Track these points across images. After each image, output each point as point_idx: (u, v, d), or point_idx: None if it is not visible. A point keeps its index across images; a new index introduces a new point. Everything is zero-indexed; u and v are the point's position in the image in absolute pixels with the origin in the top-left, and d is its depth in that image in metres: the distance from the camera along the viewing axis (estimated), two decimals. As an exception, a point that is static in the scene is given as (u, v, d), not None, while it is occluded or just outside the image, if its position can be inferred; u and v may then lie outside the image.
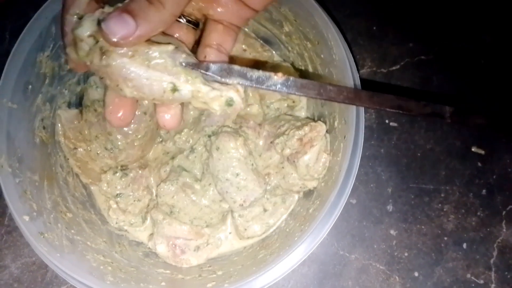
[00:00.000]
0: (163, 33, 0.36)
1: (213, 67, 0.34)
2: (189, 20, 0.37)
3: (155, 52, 0.33)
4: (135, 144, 0.52)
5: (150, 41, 0.34)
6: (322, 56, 0.49)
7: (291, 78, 0.34)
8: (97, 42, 0.32)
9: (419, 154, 0.58)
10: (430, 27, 0.61)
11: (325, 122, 0.51)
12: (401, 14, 0.62)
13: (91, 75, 0.54)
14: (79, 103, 0.55)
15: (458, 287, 0.54)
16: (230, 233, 0.55)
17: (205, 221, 0.54)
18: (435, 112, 0.35)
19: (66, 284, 0.56)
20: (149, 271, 0.49)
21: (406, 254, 0.55)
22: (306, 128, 0.50)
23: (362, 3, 0.63)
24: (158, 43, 0.34)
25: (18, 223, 0.43)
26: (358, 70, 0.57)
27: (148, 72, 0.33)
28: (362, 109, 0.44)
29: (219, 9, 0.36)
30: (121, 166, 0.55)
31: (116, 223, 0.54)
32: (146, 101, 0.37)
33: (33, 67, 0.47)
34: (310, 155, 0.50)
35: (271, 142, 0.53)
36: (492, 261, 0.55)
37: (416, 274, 0.55)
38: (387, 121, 0.59)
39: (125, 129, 0.51)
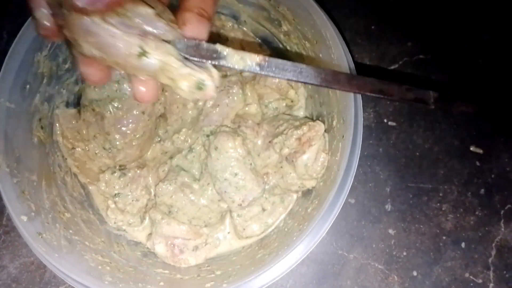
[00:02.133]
0: None
1: (181, 43, 0.31)
2: None
3: (129, 11, 0.30)
4: (133, 143, 0.52)
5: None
6: (320, 55, 0.49)
7: (267, 58, 0.31)
8: None
9: (417, 154, 0.58)
10: (428, 26, 0.61)
11: (323, 122, 0.51)
12: (399, 13, 0.62)
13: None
14: (77, 102, 0.55)
15: (456, 286, 0.54)
16: (228, 232, 0.55)
17: (203, 221, 0.54)
18: (418, 97, 0.33)
19: (64, 284, 0.56)
20: (147, 271, 0.49)
21: (404, 253, 0.56)
22: (305, 128, 0.50)
23: (361, 3, 0.63)
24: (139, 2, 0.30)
25: (16, 223, 0.43)
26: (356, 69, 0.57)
27: (115, 29, 0.29)
28: (360, 108, 0.44)
29: None
30: (120, 166, 0.55)
31: (115, 223, 0.54)
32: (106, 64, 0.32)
33: (31, 67, 0.47)
34: (309, 155, 0.50)
35: (270, 142, 0.52)
36: (490, 260, 0.55)
37: (414, 273, 0.55)
38: (385, 120, 0.59)
39: (123, 128, 0.51)
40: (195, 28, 0.32)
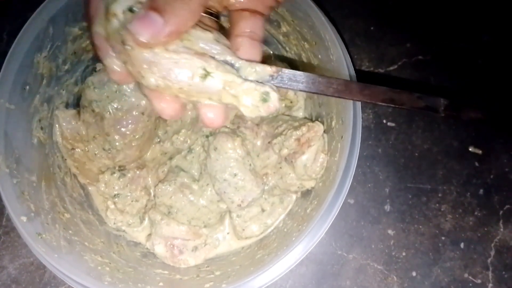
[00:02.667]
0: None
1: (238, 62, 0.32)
2: (210, 12, 0.35)
3: (190, 36, 0.31)
4: (133, 144, 0.52)
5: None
6: (319, 56, 0.49)
7: (281, 70, 0.32)
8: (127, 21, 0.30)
9: (416, 154, 0.58)
10: (428, 27, 0.61)
11: (322, 122, 0.51)
12: (398, 14, 0.62)
13: (88, 75, 0.54)
14: (76, 103, 0.55)
15: (455, 286, 0.55)
16: (228, 233, 0.55)
17: (203, 222, 0.54)
18: (428, 105, 0.33)
19: (64, 284, 0.56)
20: (147, 271, 0.49)
21: (403, 254, 0.56)
22: (304, 128, 0.50)
23: (360, 4, 0.63)
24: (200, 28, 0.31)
25: (15, 224, 0.43)
26: (355, 70, 0.58)
27: (176, 55, 0.30)
28: (359, 109, 0.44)
29: None
30: (119, 167, 0.55)
31: (114, 223, 0.54)
32: (168, 93, 0.32)
33: (31, 68, 0.47)
34: (308, 155, 0.50)
35: (269, 143, 0.53)
36: (489, 260, 0.55)
37: (413, 273, 0.55)
38: (384, 121, 0.59)
39: (123, 129, 0.51)
40: (249, 51, 0.33)
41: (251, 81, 0.32)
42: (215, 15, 0.35)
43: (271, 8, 0.36)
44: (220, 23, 0.36)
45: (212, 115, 0.33)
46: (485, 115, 0.35)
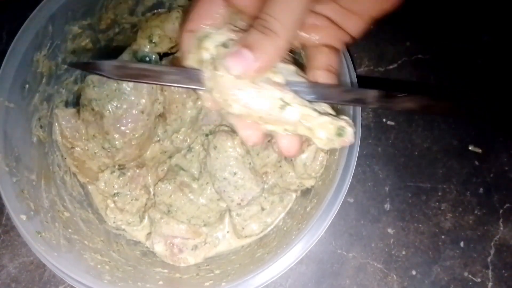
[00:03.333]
0: None
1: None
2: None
3: (276, 67, 0.33)
4: (133, 143, 0.52)
5: None
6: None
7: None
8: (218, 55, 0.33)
9: (416, 153, 0.58)
10: (428, 26, 0.61)
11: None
12: (398, 13, 0.62)
13: (88, 74, 0.54)
14: (76, 102, 0.55)
15: (455, 285, 0.55)
16: (227, 232, 0.55)
17: (202, 220, 0.54)
18: (356, 98, 0.34)
19: (63, 283, 0.56)
20: (146, 270, 0.49)
21: (403, 252, 0.56)
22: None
23: (360, 2, 0.63)
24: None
25: (15, 223, 0.43)
26: (355, 68, 0.58)
27: (260, 85, 0.32)
28: (359, 108, 0.44)
29: (318, 36, 0.36)
30: (119, 165, 0.55)
31: (114, 222, 0.54)
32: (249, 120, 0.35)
33: (30, 66, 0.47)
34: (308, 154, 0.50)
35: (269, 141, 0.53)
36: (489, 259, 0.55)
37: (413, 272, 0.55)
38: (384, 120, 0.59)
39: (123, 128, 0.51)
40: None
41: (327, 114, 0.33)
42: (291, 51, 0.37)
43: (346, 43, 0.38)
44: (295, 58, 0.38)
45: (287, 144, 0.35)
46: (421, 103, 0.34)
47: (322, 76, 0.35)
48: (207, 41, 0.33)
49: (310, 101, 0.33)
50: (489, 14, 0.61)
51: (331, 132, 0.33)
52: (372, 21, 0.38)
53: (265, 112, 0.32)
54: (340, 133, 0.33)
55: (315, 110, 0.33)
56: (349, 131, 0.33)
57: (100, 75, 0.34)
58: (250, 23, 0.32)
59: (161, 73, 0.34)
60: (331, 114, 0.34)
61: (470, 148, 0.58)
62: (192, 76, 0.34)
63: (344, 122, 0.33)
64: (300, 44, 0.37)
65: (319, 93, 0.34)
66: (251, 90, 0.32)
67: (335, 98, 0.34)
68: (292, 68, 0.34)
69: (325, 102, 0.34)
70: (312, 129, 0.33)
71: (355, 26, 0.37)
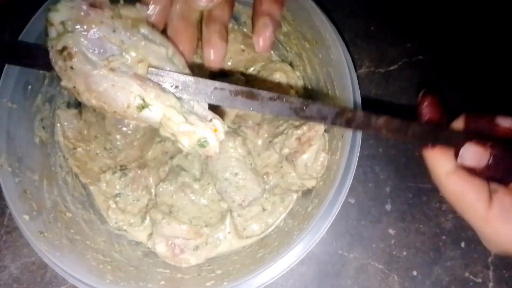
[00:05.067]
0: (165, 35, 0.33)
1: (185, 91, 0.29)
2: None
3: (142, 49, 0.29)
4: (134, 144, 0.53)
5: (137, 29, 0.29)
6: (320, 56, 0.49)
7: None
8: (66, 32, 0.28)
9: (417, 154, 0.58)
10: (428, 27, 0.62)
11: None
12: (399, 14, 0.63)
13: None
14: (78, 103, 0.56)
15: (456, 285, 0.55)
16: (229, 232, 0.55)
17: (204, 221, 0.54)
18: (311, 116, 0.31)
19: (65, 284, 0.56)
20: (148, 270, 0.49)
21: (404, 253, 0.56)
22: (305, 128, 0.50)
23: (361, 4, 0.63)
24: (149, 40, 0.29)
25: (18, 222, 0.43)
26: (356, 70, 0.58)
27: (115, 76, 0.28)
28: (359, 108, 0.45)
29: None
30: (120, 166, 0.55)
31: (115, 223, 0.55)
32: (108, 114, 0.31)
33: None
34: (309, 154, 0.50)
35: (270, 142, 0.53)
36: (490, 259, 0.55)
37: (414, 273, 0.55)
38: (385, 120, 0.59)
39: (124, 129, 0.51)
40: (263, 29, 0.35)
41: (191, 122, 0.29)
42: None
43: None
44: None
45: (212, 56, 0.34)
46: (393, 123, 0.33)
47: (267, 22, 0.35)
48: (53, 14, 0.28)
49: (179, 98, 0.29)
50: (490, 15, 0.61)
51: (193, 142, 0.30)
52: None
53: (120, 109, 0.28)
54: (202, 144, 0.30)
55: (182, 112, 0.29)
56: (212, 142, 0.30)
57: None
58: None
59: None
60: (201, 117, 0.30)
61: (470, 148, 0.58)
62: (36, 55, 0.29)
63: (209, 131, 0.29)
64: None
65: (199, 90, 0.29)
66: (105, 80, 0.28)
67: (225, 101, 0.30)
68: (163, 51, 0.30)
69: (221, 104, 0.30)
70: (174, 135, 0.30)
71: None
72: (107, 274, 0.44)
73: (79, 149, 0.54)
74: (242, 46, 0.57)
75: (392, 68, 0.61)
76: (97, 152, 0.54)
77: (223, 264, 0.51)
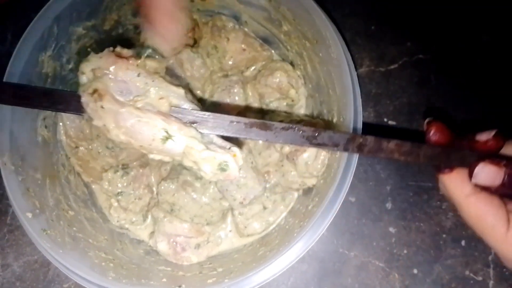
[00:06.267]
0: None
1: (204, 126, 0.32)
2: None
3: (163, 90, 0.32)
4: (136, 142, 0.53)
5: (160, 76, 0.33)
6: (320, 55, 0.49)
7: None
8: (96, 78, 0.32)
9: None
10: (428, 26, 0.62)
11: (323, 120, 0.52)
12: (399, 13, 0.63)
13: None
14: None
15: (456, 284, 0.55)
16: (230, 231, 0.55)
17: (205, 219, 0.54)
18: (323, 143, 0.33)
19: (68, 282, 0.56)
20: (150, 268, 0.50)
21: (405, 251, 0.56)
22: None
23: (361, 3, 0.63)
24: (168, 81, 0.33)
25: (21, 220, 0.44)
26: (356, 69, 0.58)
27: (141, 113, 0.31)
28: (359, 106, 0.45)
29: None
30: (122, 165, 0.55)
31: (117, 221, 0.55)
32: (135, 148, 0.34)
33: (35, 67, 0.48)
34: (309, 153, 0.50)
35: (271, 141, 0.53)
36: (490, 258, 0.55)
37: (415, 271, 0.55)
38: (385, 119, 0.60)
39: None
40: None
41: (211, 149, 0.32)
42: None
43: None
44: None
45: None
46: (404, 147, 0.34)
47: None
48: (84, 64, 0.33)
49: (200, 132, 0.32)
50: (489, 15, 0.61)
51: (215, 167, 0.32)
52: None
53: (146, 142, 0.32)
54: (223, 168, 0.32)
55: (203, 142, 0.32)
56: (233, 166, 0.32)
57: None
58: None
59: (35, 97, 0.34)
60: (220, 146, 0.33)
61: (471, 147, 0.59)
62: (69, 100, 0.33)
63: (228, 156, 0.32)
64: None
65: (216, 124, 0.33)
66: (132, 117, 0.31)
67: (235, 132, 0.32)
68: (181, 90, 0.33)
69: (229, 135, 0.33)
70: (196, 162, 0.32)
71: None
72: (110, 272, 0.45)
73: (81, 148, 0.54)
74: (242, 46, 0.57)
75: (392, 67, 0.61)
76: (99, 151, 0.54)
77: (224, 262, 0.51)
